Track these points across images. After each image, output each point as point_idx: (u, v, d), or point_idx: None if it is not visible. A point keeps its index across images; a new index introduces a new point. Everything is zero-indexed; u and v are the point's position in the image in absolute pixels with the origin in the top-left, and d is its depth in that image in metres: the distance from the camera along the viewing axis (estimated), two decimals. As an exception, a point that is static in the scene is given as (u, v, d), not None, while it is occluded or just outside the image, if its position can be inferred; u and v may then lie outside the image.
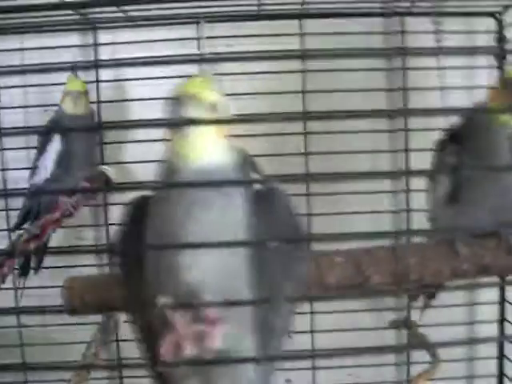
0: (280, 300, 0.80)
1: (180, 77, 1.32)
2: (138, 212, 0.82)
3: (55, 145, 1.38)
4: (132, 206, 0.85)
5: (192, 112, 0.74)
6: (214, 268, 0.74)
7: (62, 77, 1.47)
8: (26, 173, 1.51)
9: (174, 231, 0.73)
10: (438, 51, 1.44)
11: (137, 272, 0.80)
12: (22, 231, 1.39)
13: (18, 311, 1.08)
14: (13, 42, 1.55)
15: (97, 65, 1.48)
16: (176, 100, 0.75)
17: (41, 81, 1.55)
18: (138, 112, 1.55)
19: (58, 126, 1.39)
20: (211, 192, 0.74)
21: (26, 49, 1.55)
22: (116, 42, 1.52)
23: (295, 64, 1.47)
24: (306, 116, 1.42)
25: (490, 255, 1.04)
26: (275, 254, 0.75)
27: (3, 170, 1.54)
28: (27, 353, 1.56)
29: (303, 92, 1.49)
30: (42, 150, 1.40)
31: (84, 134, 1.38)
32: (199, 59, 1.54)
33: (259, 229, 0.76)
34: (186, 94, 0.75)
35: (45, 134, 1.39)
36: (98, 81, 1.52)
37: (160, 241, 0.75)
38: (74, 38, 1.52)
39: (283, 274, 0.80)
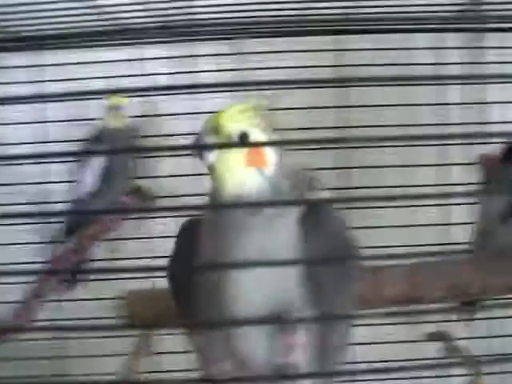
0: (336, 317, 0.81)
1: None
2: (189, 234, 0.83)
3: (99, 159, 1.39)
4: (183, 228, 0.86)
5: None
6: (267, 289, 0.75)
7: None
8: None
9: (223, 255, 0.74)
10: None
11: (187, 293, 0.82)
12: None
13: (72, 328, 1.08)
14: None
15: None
16: (204, 131, 0.75)
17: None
18: (169, 126, 1.57)
19: (99, 139, 1.41)
20: (252, 217, 0.74)
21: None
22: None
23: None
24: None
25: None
26: (328, 272, 0.77)
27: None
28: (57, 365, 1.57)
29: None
30: (84, 163, 1.42)
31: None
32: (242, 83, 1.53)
33: (310, 248, 0.77)
34: (212, 126, 0.75)
35: (87, 148, 1.41)
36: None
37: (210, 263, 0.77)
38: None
39: (336, 291, 0.81)
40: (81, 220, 1.41)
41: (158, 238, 1.55)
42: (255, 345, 0.77)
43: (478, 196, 1.18)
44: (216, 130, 0.74)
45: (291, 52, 1.51)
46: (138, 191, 1.46)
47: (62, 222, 1.45)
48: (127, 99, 1.44)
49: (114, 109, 1.43)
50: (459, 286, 0.93)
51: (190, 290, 0.80)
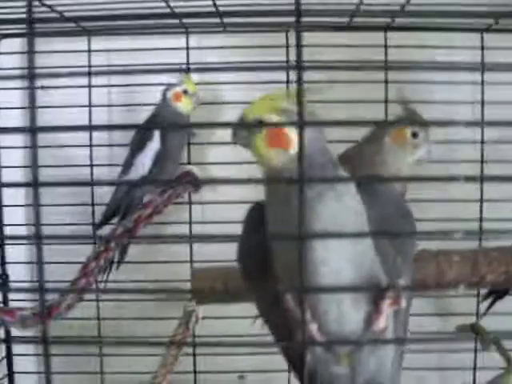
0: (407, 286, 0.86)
1: (269, 82, 1.41)
2: (256, 217, 0.88)
3: (155, 143, 1.43)
4: (249, 212, 0.92)
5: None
6: (346, 258, 0.79)
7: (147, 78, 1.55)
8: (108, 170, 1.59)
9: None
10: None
11: (261, 272, 0.86)
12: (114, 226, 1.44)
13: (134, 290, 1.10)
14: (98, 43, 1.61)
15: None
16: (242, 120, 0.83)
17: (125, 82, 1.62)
18: (229, 115, 1.60)
19: (162, 123, 1.44)
20: (321, 188, 0.79)
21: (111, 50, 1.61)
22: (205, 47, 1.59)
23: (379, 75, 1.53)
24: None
25: None
26: (391, 241, 0.83)
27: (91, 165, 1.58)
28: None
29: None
30: (140, 147, 1.45)
31: (180, 133, 1.44)
32: (287, 66, 1.58)
33: (373, 215, 0.82)
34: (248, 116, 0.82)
35: (144, 131, 1.44)
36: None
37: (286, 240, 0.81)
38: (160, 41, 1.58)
39: (401, 258, 0.86)
40: (132, 203, 1.45)
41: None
42: (343, 312, 0.81)
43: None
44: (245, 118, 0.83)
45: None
46: (186, 176, 1.50)
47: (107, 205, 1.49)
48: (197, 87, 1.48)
49: (188, 94, 1.47)
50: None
51: (266, 264, 0.84)
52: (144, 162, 1.44)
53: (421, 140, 1.13)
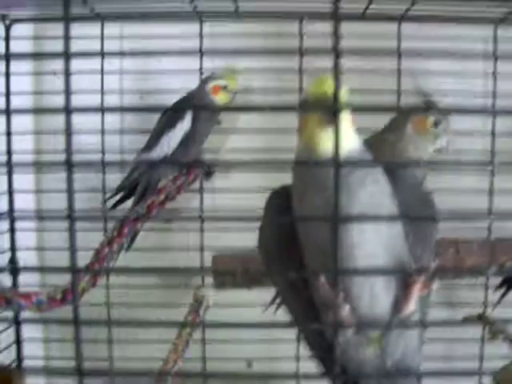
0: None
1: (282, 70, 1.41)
2: (279, 202, 0.89)
3: (186, 124, 1.43)
4: (272, 196, 0.93)
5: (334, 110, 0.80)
6: (380, 242, 0.81)
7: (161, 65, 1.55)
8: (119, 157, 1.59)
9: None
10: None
11: (285, 257, 0.87)
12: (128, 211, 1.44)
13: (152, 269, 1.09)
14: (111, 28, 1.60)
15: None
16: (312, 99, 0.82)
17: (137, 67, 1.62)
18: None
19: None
20: (361, 173, 0.81)
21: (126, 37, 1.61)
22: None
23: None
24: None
25: None
26: (415, 226, 0.84)
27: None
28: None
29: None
30: (170, 126, 1.45)
31: (211, 120, 1.46)
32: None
33: (401, 199, 0.84)
34: (319, 94, 0.82)
35: (176, 111, 1.45)
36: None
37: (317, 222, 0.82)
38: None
39: (422, 243, 0.87)
40: (148, 185, 1.45)
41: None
42: (375, 295, 0.81)
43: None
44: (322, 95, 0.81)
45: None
46: (202, 162, 1.50)
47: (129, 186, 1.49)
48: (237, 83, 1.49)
49: (227, 90, 1.48)
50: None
51: (290, 249, 0.85)
52: (171, 142, 1.43)
53: (441, 129, 1.14)
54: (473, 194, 1.49)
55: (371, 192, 0.80)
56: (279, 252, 0.90)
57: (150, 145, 1.47)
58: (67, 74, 0.66)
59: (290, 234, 0.87)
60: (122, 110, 1.34)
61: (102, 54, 1.51)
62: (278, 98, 1.52)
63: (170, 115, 1.45)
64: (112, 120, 1.62)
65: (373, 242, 0.80)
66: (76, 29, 1.55)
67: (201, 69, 1.56)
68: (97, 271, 1.27)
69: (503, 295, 1.51)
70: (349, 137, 0.83)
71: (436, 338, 1.55)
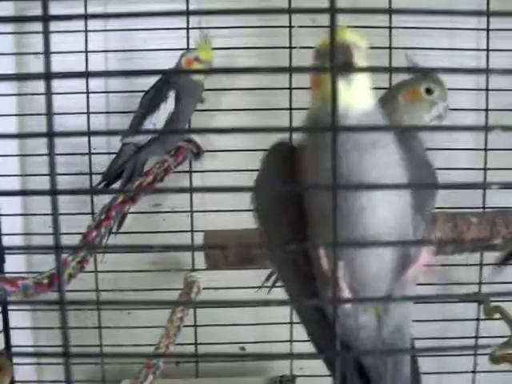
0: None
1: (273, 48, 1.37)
2: (281, 157, 0.84)
3: (169, 104, 1.38)
4: (273, 151, 0.86)
5: (355, 59, 0.76)
6: (389, 209, 0.77)
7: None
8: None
9: (345, 174, 0.75)
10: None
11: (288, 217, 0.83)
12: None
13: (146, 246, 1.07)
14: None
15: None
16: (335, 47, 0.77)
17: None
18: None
19: (176, 83, 1.39)
20: (374, 136, 0.77)
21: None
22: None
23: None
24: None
25: None
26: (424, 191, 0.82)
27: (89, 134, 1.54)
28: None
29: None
30: (152, 108, 1.40)
31: (193, 98, 1.40)
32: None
33: (410, 169, 0.80)
34: (345, 41, 0.76)
35: (157, 92, 1.39)
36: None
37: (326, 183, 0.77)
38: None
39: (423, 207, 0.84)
40: (135, 167, 1.41)
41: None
42: (381, 263, 0.79)
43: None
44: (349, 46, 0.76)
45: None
46: (189, 142, 1.46)
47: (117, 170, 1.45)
48: (213, 54, 1.42)
49: (200, 61, 1.41)
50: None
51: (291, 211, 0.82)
52: (156, 124, 1.38)
53: (436, 97, 1.11)
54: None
55: (383, 157, 0.77)
56: (279, 219, 0.85)
57: (134, 127, 1.42)
58: (46, 36, 0.62)
59: (293, 200, 0.82)
60: (106, 74, 1.28)
61: (85, 16, 1.45)
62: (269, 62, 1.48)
63: (152, 96, 1.40)
64: (97, 102, 1.58)
65: (385, 210, 0.77)
66: (59, 8, 1.54)
67: (188, 46, 1.52)
68: (78, 246, 1.22)
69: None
70: (365, 95, 0.78)
71: (431, 318, 1.56)
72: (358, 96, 0.77)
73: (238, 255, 0.97)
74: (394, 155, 0.78)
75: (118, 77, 1.57)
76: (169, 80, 1.40)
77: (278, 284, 1.24)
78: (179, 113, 1.38)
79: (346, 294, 0.77)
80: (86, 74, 1.21)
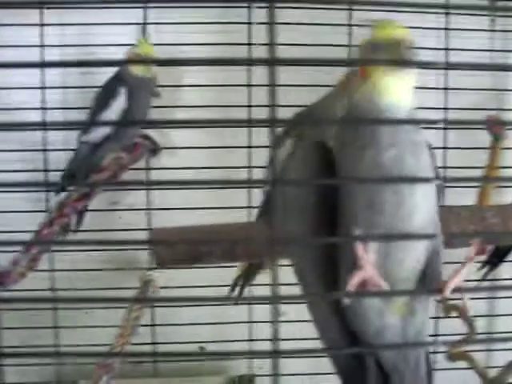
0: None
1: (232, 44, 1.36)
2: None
3: (121, 101, 1.35)
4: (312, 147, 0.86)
5: (410, 54, 0.76)
6: (423, 204, 0.77)
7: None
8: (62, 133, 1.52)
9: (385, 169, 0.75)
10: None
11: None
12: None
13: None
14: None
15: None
16: (384, 43, 0.76)
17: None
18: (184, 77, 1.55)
19: (123, 81, 1.37)
20: (411, 134, 0.76)
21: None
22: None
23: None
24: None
25: None
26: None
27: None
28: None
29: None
30: (104, 105, 1.37)
31: (146, 94, 1.37)
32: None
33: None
34: (399, 37, 0.76)
35: (108, 89, 1.36)
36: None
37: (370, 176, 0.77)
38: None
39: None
40: (89, 166, 1.39)
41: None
42: (417, 260, 0.79)
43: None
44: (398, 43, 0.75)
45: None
46: (146, 138, 1.44)
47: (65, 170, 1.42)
48: (153, 48, 1.40)
49: (138, 56, 1.38)
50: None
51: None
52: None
53: None
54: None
55: (426, 155, 0.77)
56: (308, 214, 0.84)
57: (88, 126, 1.40)
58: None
59: (325, 196, 0.81)
60: (63, 65, 1.25)
61: (41, 8, 1.42)
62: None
63: (104, 93, 1.38)
64: (54, 97, 1.55)
65: (427, 207, 0.77)
66: (15, 16, 1.50)
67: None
68: (26, 242, 1.19)
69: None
70: (411, 93, 0.78)
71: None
72: (406, 93, 0.77)
73: (187, 253, 0.95)
74: (427, 159, 0.78)
75: (75, 71, 1.55)
76: (119, 76, 1.37)
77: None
78: (132, 109, 1.36)
79: (381, 283, 0.76)
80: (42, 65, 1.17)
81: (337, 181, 0.80)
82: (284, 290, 0.88)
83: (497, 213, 0.99)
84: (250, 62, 0.59)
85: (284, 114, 0.67)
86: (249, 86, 1.49)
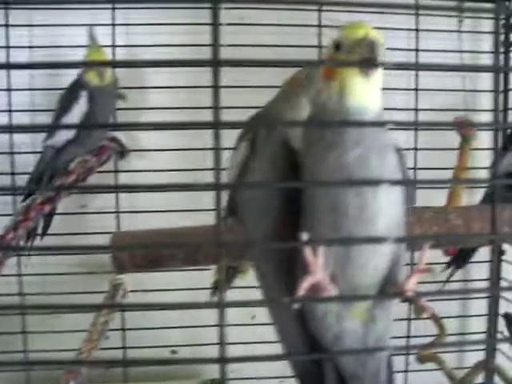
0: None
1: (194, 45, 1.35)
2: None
3: (81, 105, 1.34)
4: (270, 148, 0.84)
5: (378, 55, 0.73)
6: (387, 207, 0.75)
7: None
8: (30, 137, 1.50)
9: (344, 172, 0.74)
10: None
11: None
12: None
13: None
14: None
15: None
16: (357, 42, 0.73)
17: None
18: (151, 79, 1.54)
19: (81, 87, 1.35)
20: (378, 136, 0.75)
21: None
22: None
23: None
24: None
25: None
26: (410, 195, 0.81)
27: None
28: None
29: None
30: (65, 109, 1.35)
31: (109, 97, 1.36)
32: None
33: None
34: (365, 38, 0.74)
35: (70, 93, 1.35)
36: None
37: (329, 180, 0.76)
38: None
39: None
40: (54, 170, 1.37)
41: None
42: (377, 265, 0.77)
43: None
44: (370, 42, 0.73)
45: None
46: (113, 141, 1.42)
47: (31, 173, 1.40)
48: (106, 55, 1.37)
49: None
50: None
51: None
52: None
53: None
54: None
55: (393, 157, 0.76)
56: (274, 216, 0.82)
57: (52, 130, 1.38)
58: None
59: (292, 197, 0.80)
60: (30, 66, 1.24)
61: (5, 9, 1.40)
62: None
63: (66, 97, 1.36)
64: (21, 99, 1.53)
65: (392, 210, 0.75)
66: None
67: (113, 43, 1.48)
68: None
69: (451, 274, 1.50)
70: (379, 95, 0.76)
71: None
72: (374, 95, 0.75)
73: (147, 257, 0.94)
74: (393, 161, 0.77)
75: (42, 73, 1.53)
76: (80, 80, 1.36)
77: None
78: (94, 112, 1.34)
79: (331, 291, 0.75)
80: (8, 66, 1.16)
81: (297, 184, 0.79)
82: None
83: (460, 214, 0.99)
84: (194, 64, 0.58)
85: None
86: (213, 87, 1.47)
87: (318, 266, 0.73)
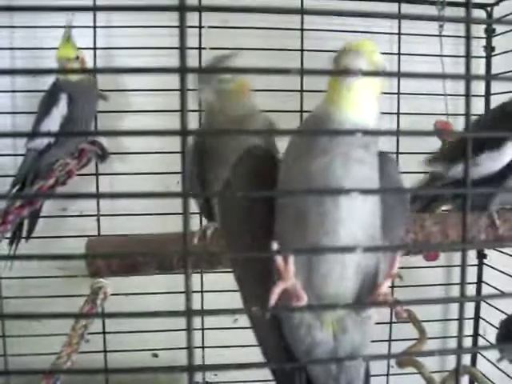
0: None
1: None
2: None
3: (61, 108, 1.33)
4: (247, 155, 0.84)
5: (364, 66, 0.74)
6: (362, 217, 0.75)
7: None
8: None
9: (323, 180, 0.73)
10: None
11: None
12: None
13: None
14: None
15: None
16: (349, 52, 0.75)
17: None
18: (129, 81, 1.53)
19: (60, 89, 1.34)
20: (362, 147, 0.75)
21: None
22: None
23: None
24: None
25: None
26: (394, 205, 0.80)
27: None
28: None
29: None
30: (45, 113, 1.34)
31: (88, 99, 1.35)
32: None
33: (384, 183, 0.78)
34: (359, 49, 0.76)
35: (49, 96, 1.34)
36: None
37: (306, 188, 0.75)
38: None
39: (399, 220, 0.82)
40: (37, 172, 1.36)
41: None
42: (345, 276, 0.76)
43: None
44: (361, 53, 0.75)
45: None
46: (94, 144, 1.41)
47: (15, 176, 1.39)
48: (75, 52, 1.35)
49: (65, 62, 1.33)
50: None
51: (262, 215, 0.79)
52: (50, 127, 1.32)
53: None
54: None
55: (365, 169, 0.75)
56: (250, 221, 0.82)
57: (33, 133, 1.37)
58: None
59: (265, 204, 0.80)
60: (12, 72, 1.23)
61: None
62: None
63: (46, 100, 1.36)
64: (2, 101, 1.52)
65: (358, 222, 0.74)
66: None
67: (94, 45, 1.47)
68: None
69: None
70: (368, 106, 0.76)
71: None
72: (357, 104, 0.75)
73: (122, 264, 0.93)
74: (372, 172, 0.76)
75: (24, 75, 1.52)
76: (59, 83, 1.35)
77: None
78: (74, 116, 1.34)
79: (302, 295, 0.74)
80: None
81: (265, 193, 0.78)
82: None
83: (437, 221, 0.99)
84: (160, 70, 0.57)
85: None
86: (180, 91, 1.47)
87: (289, 273, 0.73)
